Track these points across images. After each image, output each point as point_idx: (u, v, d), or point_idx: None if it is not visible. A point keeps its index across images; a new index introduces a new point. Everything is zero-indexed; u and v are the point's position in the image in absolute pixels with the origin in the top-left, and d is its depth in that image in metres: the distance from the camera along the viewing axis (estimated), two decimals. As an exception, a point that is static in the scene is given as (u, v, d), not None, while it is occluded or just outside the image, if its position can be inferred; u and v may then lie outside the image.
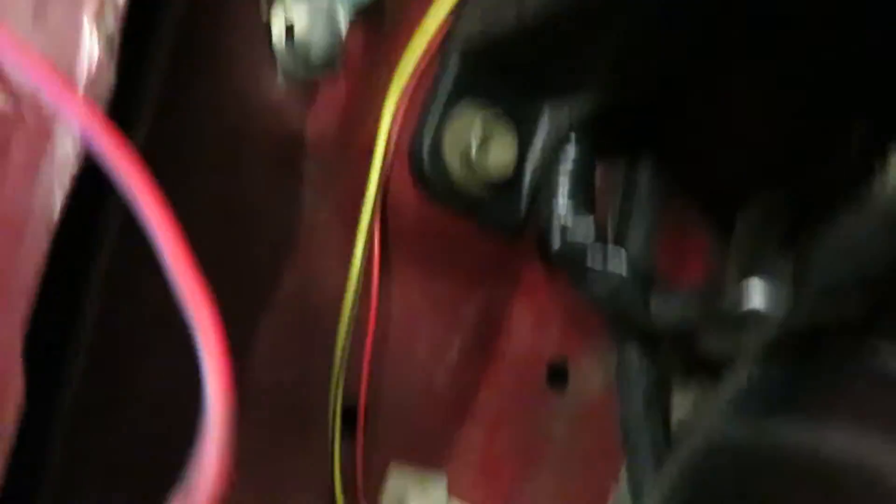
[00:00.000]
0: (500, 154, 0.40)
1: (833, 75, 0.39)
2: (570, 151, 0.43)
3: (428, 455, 0.46)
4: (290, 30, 0.36)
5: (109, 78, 0.24)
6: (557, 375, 0.50)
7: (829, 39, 0.37)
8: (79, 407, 0.33)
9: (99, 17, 0.24)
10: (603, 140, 0.43)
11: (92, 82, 0.24)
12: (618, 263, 0.41)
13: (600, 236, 0.42)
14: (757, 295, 0.34)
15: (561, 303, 0.49)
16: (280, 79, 0.37)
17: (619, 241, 0.46)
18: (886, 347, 0.35)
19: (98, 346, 0.33)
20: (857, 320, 0.35)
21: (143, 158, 0.19)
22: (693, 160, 0.49)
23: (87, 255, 0.30)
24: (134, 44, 0.26)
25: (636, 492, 0.46)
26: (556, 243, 0.42)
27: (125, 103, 0.25)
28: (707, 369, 0.47)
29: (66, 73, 0.24)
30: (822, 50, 0.38)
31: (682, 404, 0.49)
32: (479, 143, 0.40)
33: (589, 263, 0.41)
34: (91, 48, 0.24)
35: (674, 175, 0.47)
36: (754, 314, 0.34)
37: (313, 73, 0.37)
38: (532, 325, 0.49)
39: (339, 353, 0.40)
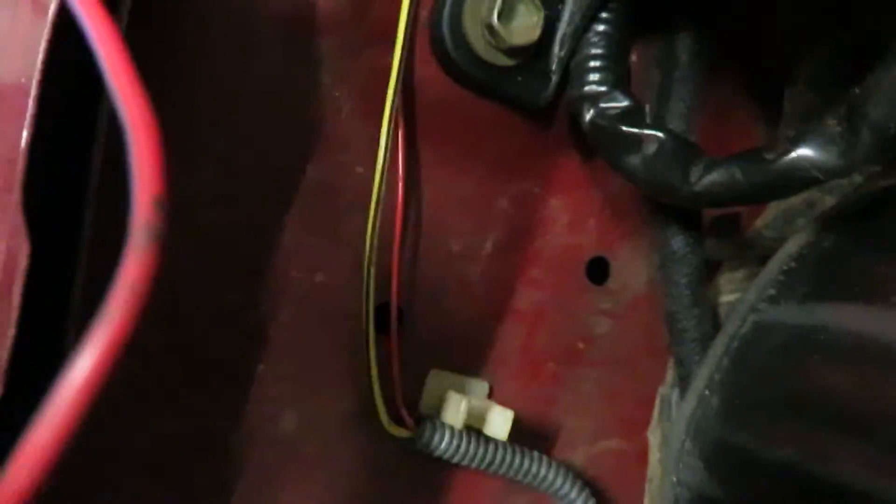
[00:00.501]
0: (525, 20, 0.38)
1: None
2: (603, 20, 0.40)
3: (466, 356, 0.45)
4: None
5: None
6: (598, 269, 0.48)
7: None
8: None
9: None
10: (638, 9, 0.40)
11: None
12: (654, 127, 0.38)
13: (635, 104, 0.39)
14: (807, 143, 0.31)
15: (599, 199, 0.47)
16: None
17: (659, 118, 0.43)
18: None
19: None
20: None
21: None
22: (736, 22, 0.46)
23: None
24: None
25: (683, 384, 0.44)
26: (587, 113, 0.40)
27: None
28: (755, 249, 0.45)
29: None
30: None
31: (729, 284, 0.46)
32: (502, 10, 0.37)
33: (623, 128, 0.38)
34: None
35: (716, 44, 0.44)
36: (805, 164, 0.31)
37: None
38: (569, 220, 0.46)
39: (367, 247, 0.38)
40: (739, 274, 0.46)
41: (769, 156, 0.32)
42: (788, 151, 0.31)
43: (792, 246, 0.37)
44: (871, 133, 0.29)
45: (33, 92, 0.22)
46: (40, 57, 0.22)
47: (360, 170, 0.39)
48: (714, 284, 0.47)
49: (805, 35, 0.45)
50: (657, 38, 0.44)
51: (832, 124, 0.31)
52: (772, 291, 0.37)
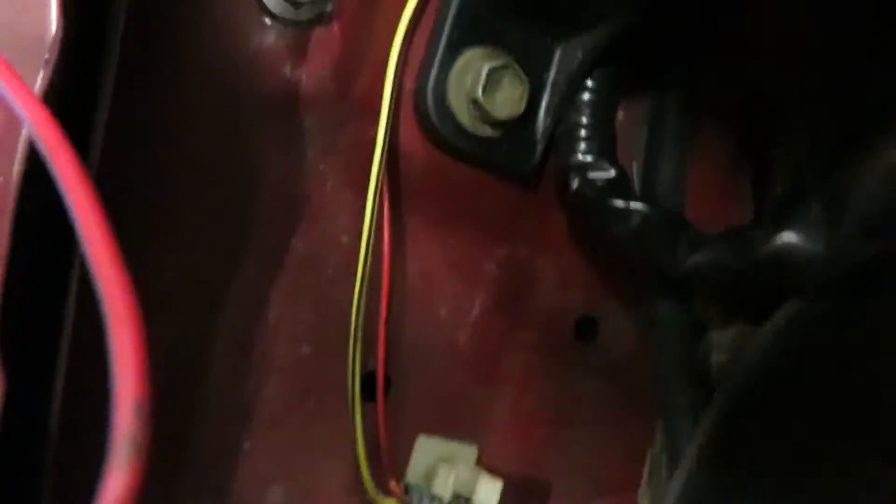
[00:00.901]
0: (509, 93, 0.38)
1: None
2: (588, 88, 0.40)
3: (455, 421, 0.44)
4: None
5: (65, 37, 0.22)
6: (586, 328, 0.48)
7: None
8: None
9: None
10: (624, 73, 0.40)
11: (53, 46, 0.22)
12: (641, 199, 0.38)
13: (622, 174, 0.39)
14: (792, 230, 0.31)
15: (586, 257, 0.46)
16: (269, 23, 0.34)
17: (648, 183, 0.43)
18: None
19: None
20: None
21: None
22: (725, 83, 0.46)
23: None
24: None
25: (673, 453, 0.43)
26: (574, 183, 0.40)
27: (96, 70, 0.23)
28: (743, 311, 0.44)
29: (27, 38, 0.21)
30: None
31: (720, 342, 0.46)
32: (486, 85, 0.37)
33: (610, 201, 0.38)
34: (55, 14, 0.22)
35: (705, 105, 0.44)
36: (790, 252, 0.31)
37: (304, 15, 0.35)
38: (557, 280, 0.46)
39: (354, 316, 0.38)
40: (730, 333, 0.46)
41: (755, 240, 0.32)
42: (774, 237, 0.31)
43: (779, 319, 0.37)
44: (854, 226, 0.29)
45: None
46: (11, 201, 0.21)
47: (345, 239, 0.39)
48: (705, 341, 0.47)
49: (793, 94, 0.45)
50: (645, 96, 0.44)
51: (816, 210, 0.31)
52: (769, 353, 0.37)
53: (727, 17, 0.41)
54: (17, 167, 0.21)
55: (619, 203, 0.38)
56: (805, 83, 0.43)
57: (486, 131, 0.39)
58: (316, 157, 0.37)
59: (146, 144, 0.33)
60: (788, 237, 0.31)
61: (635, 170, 0.45)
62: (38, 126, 0.17)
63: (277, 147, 0.36)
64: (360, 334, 0.38)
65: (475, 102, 0.37)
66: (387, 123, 0.37)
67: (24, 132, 0.22)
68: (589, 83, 0.40)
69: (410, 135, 0.39)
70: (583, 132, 0.40)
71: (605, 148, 0.40)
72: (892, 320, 0.33)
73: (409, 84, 0.39)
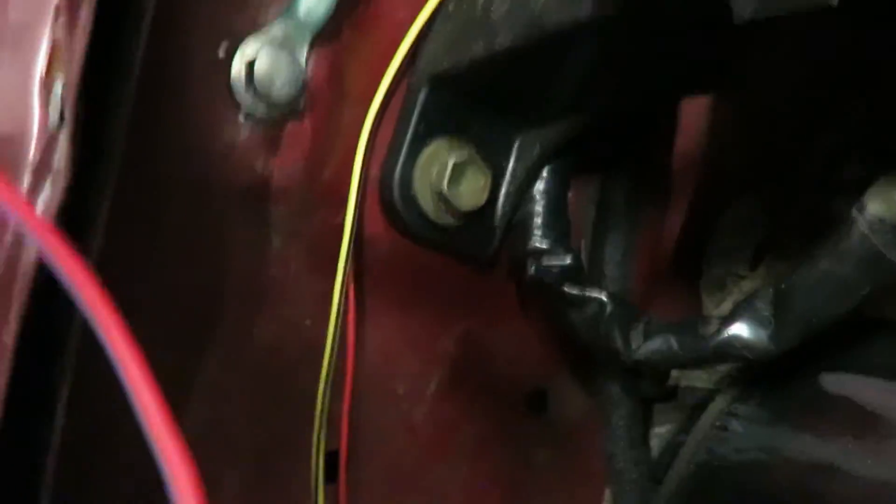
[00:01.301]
0: (473, 185, 0.39)
1: (803, 85, 0.39)
2: (543, 177, 0.42)
3: (412, 497, 0.45)
4: (250, 67, 0.34)
5: (64, 145, 0.22)
6: (537, 400, 0.49)
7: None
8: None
9: (48, 82, 0.22)
10: (576, 164, 0.43)
11: (44, 151, 0.22)
12: (596, 288, 0.40)
13: (576, 261, 0.41)
14: (740, 324, 0.33)
15: (538, 330, 0.48)
16: (242, 120, 0.35)
17: (595, 262, 0.45)
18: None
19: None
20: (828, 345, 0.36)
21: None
22: (667, 173, 0.49)
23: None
24: (92, 101, 0.24)
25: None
26: (530, 269, 0.41)
27: (84, 169, 0.24)
28: (686, 394, 0.47)
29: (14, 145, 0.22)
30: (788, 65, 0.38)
31: (661, 416, 0.48)
32: (451, 176, 0.38)
33: (565, 288, 0.40)
34: (41, 116, 0.22)
35: (650, 188, 0.47)
36: (737, 343, 0.33)
37: (277, 112, 0.35)
38: (510, 354, 0.48)
39: (319, 402, 0.38)
40: (670, 406, 0.48)
41: (704, 332, 0.35)
42: (722, 330, 0.34)
43: (721, 402, 0.39)
44: (797, 323, 0.32)
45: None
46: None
47: (308, 323, 0.40)
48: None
49: (732, 182, 0.48)
50: (592, 176, 0.47)
51: (761, 308, 0.33)
52: (711, 436, 0.39)
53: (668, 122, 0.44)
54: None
55: (575, 291, 0.39)
56: (742, 173, 0.47)
57: (450, 221, 0.40)
58: (282, 243, 0.38)
59: (118, 232, 0.33)
60: (736, 331, 0.33)
61: (583, 247, 0.47)
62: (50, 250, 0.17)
63: (246, 235, 0.37)
64: (325, 418, 0.39)
65: (440, 194, 0.39)
66: (354, 211, 0.38)
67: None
68: (544, 172, 0.42)
69: (375, 221, 0.40)
70: (538, 220, 0.42)
71: (561, 235, 0.42)
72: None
73: (374, 172, 0.40)
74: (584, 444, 0.50)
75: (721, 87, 0.42)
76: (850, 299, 0.31)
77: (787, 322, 0.32)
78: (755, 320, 0.33)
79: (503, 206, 0.42)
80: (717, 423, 0.39)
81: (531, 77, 0.36)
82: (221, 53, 0.34)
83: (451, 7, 0.38)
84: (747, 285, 0.50)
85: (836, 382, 0.38)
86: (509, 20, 0.34)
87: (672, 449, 0.48)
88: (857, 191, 0.36)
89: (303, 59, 0.36)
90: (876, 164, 0.35)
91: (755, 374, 0.39)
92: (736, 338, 0.33)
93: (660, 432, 0.48)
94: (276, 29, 0.35)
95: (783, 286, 0.32)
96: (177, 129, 0.34)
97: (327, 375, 0.38)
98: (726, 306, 0.51)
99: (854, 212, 0.29)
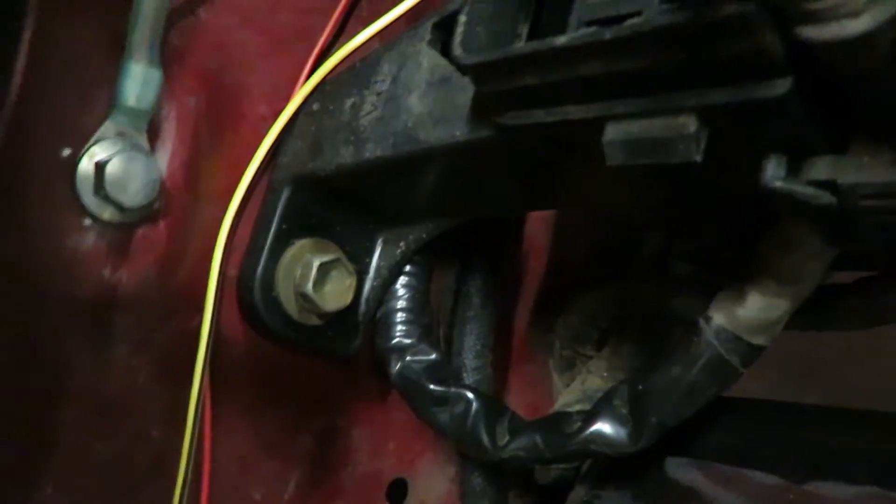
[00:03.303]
0: (338, 285, 0.38)
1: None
2: (406, 273, 0.42)
3: None
4: (99, 169, 0.32)
5: None
6: (396, 491, 0.49)
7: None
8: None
9: None
10: (436, 260, 0.43)
11: None
12: (461, 385, 0.40)
13: (441, 357, 0.41)
14: (600, 423, 0.35)
15: (398, 421, 0.48)
16: (88, 225, 0.32)
17: (456, 351, 0.46)
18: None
19: None
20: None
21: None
22: (517, 263, 0.51)
23: None
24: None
25: None
26: (395, 365, 0.41)
27: None
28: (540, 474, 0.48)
29: None
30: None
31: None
32: (316, 277, 0.37)
33: (431, 386, 0.40)
34: None
35: (503, 277, 0.48)
36: (598, 440, 0.35)
37: (129, 216, 0.33)
38: (370, 447, 0.47)
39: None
40: (525, 490, 0.49)
41: (568, 429, 0.36)
42: (584, 429, 0.35)
43: (581, 491, 0.41)
44: (652, 423, 0.34)
45: None
46: None
47: (155, 434, 0.37)
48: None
49: (580, 274, 0.51)
50: (449, 266, 0.47)
51: (619, 405, 0.35)
52: None
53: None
54: None
55: (441, 388, 0.40)
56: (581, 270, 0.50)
57: (313, 321, 0.39)
58: (130, 353, 0.35)
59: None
60: (597, 430, 0.35)
61: (442, 336, 0.48)
62: None
63: (87, 349, 0.33)
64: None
65: (305, 296, 0.38)
66: (212, 315, 0.36)
67: None
68: (408, 268, 0.42)
69: (233, 323, 0.38)
70: (402, 315, 0.42)
71: (424, 330, 0.42)
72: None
73: (232, 273, 0.38)
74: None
75: (564, 206, 0.44)
76: (699, 401, 0.33)
77: (644, 422, 0.34)
78: (614, 419, 0.35)
79: (366, 304, 0.41)
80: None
81: (396, 183, 0.37)
82: (66, 152, 0.32)
83: (315, 106, 0.38)
84: (594, 365, 0.52)
85: (678, 466, 0.40)
86: (380, 129, 0.34)
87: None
88: (689, 287, 0.40)
89: (148, 158, 0.33)
90: (700, 265, 0.38)
91: (611, 461, 0.41)
92: (598, 435, 0.35)
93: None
94: (110, 123, 0.32)
95: (640, 388, 0.34)
96: (10, 234, 0.30)
97: (183, 487, 0.35)
98: (576, 385, 0.53)
99: (701, 322, 0.32)
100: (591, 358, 0.52)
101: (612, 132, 0.23)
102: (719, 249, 0.36)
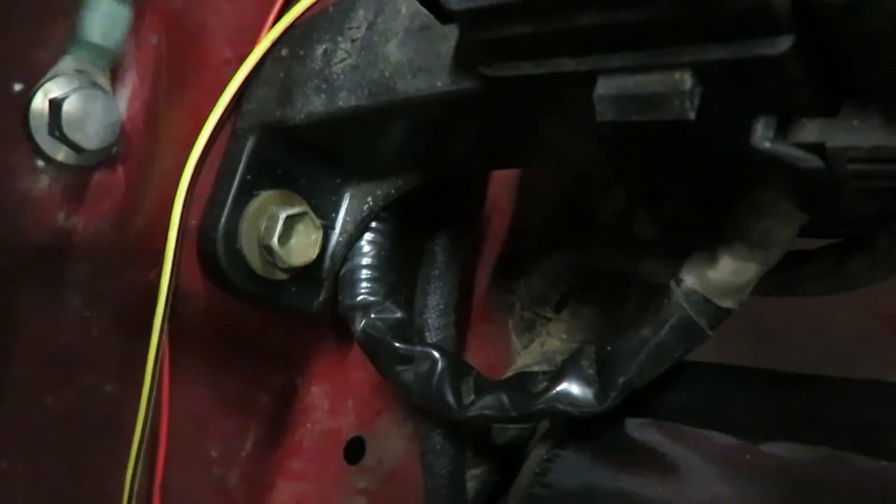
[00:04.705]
0: (304, 239, 0.37)
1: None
2: (372, 230, 0.41)
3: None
4: (55, 107, 0.30)
5: None
6: (354, 449, 0.48)
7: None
8: None
9: None
10: (403, 220, 0.42)
11: None
12: (427, 344, 0.40)
13: (406, 315, 0.41)
14: (567, 382, 0.35)
15: (357, 379, 0.47)
16: (42, 166, 0.30)
17: (420, 310, 0.45)
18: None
19: None
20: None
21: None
22: (480, 225, 0.50)
23: None
24: None
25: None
26: (359, 322, 0.40)
27: None
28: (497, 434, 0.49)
29: None
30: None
31: (477, 465, 0.50)
32: (282, 230, 0.36)
33: (396, 343, 0.39)
34: None
35: (466, 239, 0.48)
36: (565, 400, 0.35)
37: (85, 159, 0.31)
38: (329, 406, 0.46)
39: (130, 471, 0.34)
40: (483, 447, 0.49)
41: (534, 388, 0.36)
42: (551, 388, 0.35)
43: (541, 449, 0.41)
44: (619, 384, 0.34)
45: None
46: None
47: (109, 388, 0.35)
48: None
49: (541, 235, 0.51)
50: (416, 225, 0.47)
51: (586, 366, 0.35)
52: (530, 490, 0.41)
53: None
54: None
55: (406, 346, 0.39)
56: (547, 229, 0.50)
57: (277, 275, 0.38)
58: (83, 304, 0.33)
59: None
60: (564, 389, 0.35)
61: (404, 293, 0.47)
62: None
63: (38, 298, 0.32)
64: (136, 488, 0.34)
65: (269, 249, 0.36)
66: (172, 266, 0.34)
67: None
68: (374, 224, 0.41)
69: (192, 277, 0.37)
70: (367, 272, 0.41)
71: (389, 288, 0.41)
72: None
73: (193, 224, 0.37)
74: (400, 489, 0.50)
75: (535, 164, 0.44)
76: (665, 362, 0.33)
77: (611, 383, 0.34)
78: (581, 379, 0.35)
79: (331, 259, 0.40)
80: (538, 470, 0.40)
81: (368, 135, 0.35)
82: (17, 87, 0.30)
83: (283, 52, 0.36)
84: (553, 327, 0.53)
85: (638, 426, 0.41)
86: (354, 77, 0.32)
87: (487, 489, 0.50)
88: (653, 250, 0.40)
89: (108, 99, 0.31)
90: (666, 228, 0.38)
91: (571, 421, 0.42)
92: (564, 395, 0.35)
93: (475, 473, 0.49)
94: (69, 58, 0.30)
95: (607, 348, 0.35)
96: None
97: (140, 444, 0.34)
98: (535, 346, 0.53)
99: (672, 284, 0.32)
100: (550, 320, 0.52)
101: (604, 87, 0.23)
102: (687, 213, 0.36)
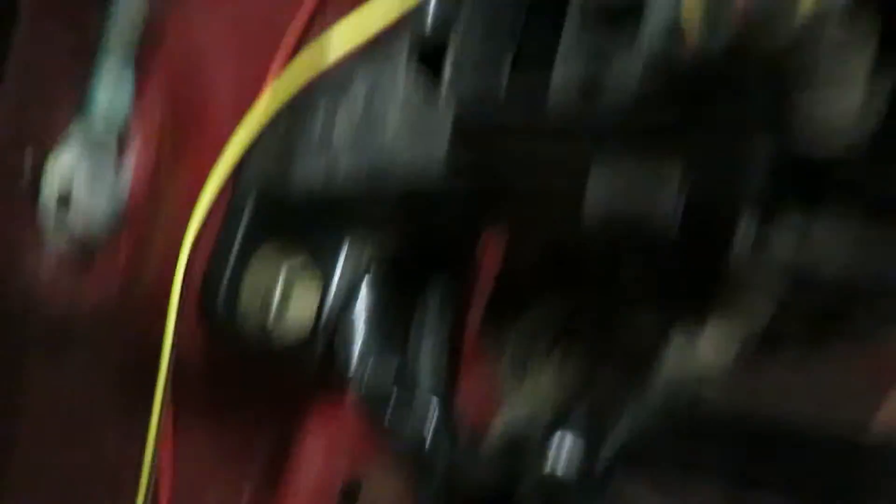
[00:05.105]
0: (304, 302, 0.38)
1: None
2: (370, 277, 0.42)
3: None
4: (64, 179, 0.30)
5: None
6: (348, 496, 0.49)
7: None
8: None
9: None
10: (398, 275, 0.43)
11: None
12: (424, 392, 0.41)
13: (402, 365, 0.42)
14: (562, 462, 0.36)
15: (351, 425, 0.48)
16: (51, 249, 0.31)
17: (413, 355, 0.46)
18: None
19: None
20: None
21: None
22: (475, 269, 0.51)
23: None
24: None
25: None
26: (357, 371, 0.41)
27: None
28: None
29: None
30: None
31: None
32: (284, 286, 0.37)
33: (393, 392, 0.40)
34: None
35: (461, 283, 0.48)
36: (557, 479, 0.35)
37: (95, 230, 0.32)
38: (324, 453, 0.47)
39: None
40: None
41: (528, 465, 0.37)
42: (545, 466, 0.36)
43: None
44: (613, 452, 0.35)
45: None
46: None
47: (120, 450, 0.36)
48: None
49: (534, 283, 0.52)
50: (413, 270, 0.47)
51: (579, 435, 0.36)
52: None
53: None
54: None
55: (402, 395, 0.40)
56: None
57: (275, 339, 0.38)
58: (91, 371, 0.34)
59: None
60: (559, 460, 0.36)
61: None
62: None
63: (46, 365, 0.32)
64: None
65: (270, 304, 0.37)
66: (174, 324, 0.35)
67: None
68: (371, 271, 0.42)
69: (194, 333, 0.38)
70: (364, 321, 0.42)
71: (387, 337, 0.42)
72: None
73: (195, 281, 0.37)
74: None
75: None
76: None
77: (603, 448, 0.35)
78: (575, 449, 0.35)
79: (330, 308, 0.41)
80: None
81: (367, 197, 0.36)
82: (28, 159, 0.30)
83: (283, 114, 0.37)
84: (544, 369, 0.54)
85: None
86: (353, 144, 0.33)
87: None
88: (642, 303, 0.41)
89: (116, 167, 0.32)
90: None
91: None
92: (559, 468, 0.35)
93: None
94: (79, 128, 0.31)
95: (599, 412, 0.35)
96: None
97: (145, 500, 0.35)
98: (526, 389, 0.54)
99: (655, 367, 0.33)
100: (542, 361, 0.53)
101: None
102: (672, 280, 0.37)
